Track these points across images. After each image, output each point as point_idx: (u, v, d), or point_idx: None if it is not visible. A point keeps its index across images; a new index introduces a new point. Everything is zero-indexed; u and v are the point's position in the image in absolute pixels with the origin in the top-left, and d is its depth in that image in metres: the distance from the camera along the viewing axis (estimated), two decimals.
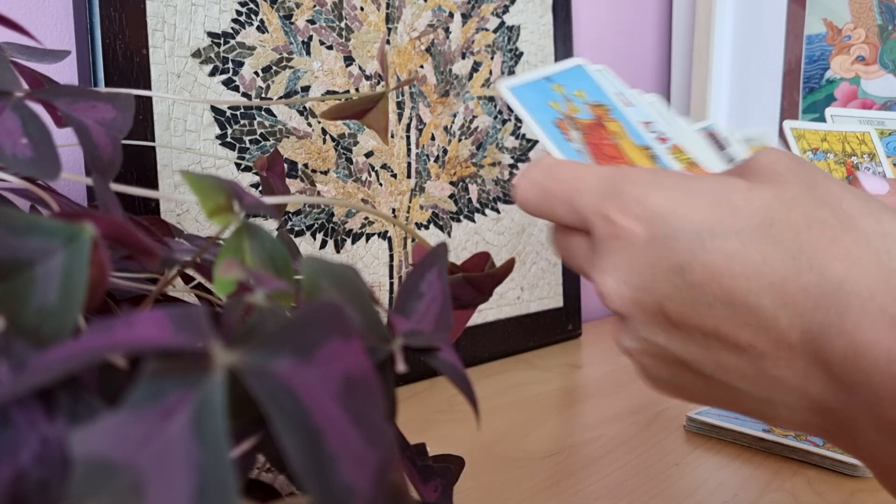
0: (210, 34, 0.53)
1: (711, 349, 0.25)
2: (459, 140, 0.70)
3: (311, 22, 0.58)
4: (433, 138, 0.68)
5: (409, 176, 0.66)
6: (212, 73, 0.53)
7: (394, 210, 0.65)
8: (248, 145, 0.55)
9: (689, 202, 0.25)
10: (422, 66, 0.67)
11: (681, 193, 0.26)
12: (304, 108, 0.58)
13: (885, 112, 0.44)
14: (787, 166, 0.26)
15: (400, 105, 0.65)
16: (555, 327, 0.79)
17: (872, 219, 0.24)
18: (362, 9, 0.62)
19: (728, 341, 0.25)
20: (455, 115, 0.70)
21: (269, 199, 0.24)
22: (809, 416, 0.24)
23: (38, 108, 0.25)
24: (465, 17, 0.70)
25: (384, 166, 0.64)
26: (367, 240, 0.62)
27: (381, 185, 0.64)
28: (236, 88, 0.54)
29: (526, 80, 0.33)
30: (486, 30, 0.73)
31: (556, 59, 0.80)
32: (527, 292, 0.76)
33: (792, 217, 0.24)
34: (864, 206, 0.24)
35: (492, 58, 0.73)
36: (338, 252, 0.60)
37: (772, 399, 0.25)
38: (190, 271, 0.27)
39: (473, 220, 0.71)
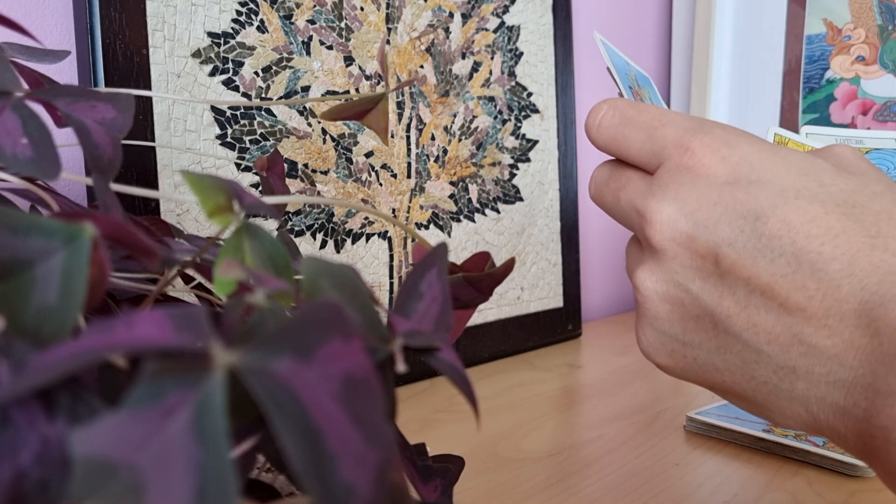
0: (210, 34, 0.53)
1: (750, 306, 0.25)
2: (459, 140, 0.70)
3: (311, 22, 0.58)
4: (433, 138, 0.68)
5: (409, 176, 0.66)
6: (212, 73, 0.53)
7: (394, 210, 0.65)
8: (248, 145, 0.55)
9: (780, 162, 0.26)
10: (422, 66, 0.67)
11: (771, 153, 0.26)
12: (304, 108, 0.58)
13: (863, 131, 0.44)
14: (869, 166, 0.27)
15: (400, 105, 0.65)
16: (555, 327, 0.79)
17: None
18: (362, 9, 0.62)
19: (776, 300, 0.25)
20: (455, 115, 0.70)
21: (269, 199, 0.24)
22: (828, 391, 0.24)
23: (38, 108, 0.25)
24: (465, 17, 0.70)
25: (384, 166, 0.64)
26: (367, 240, 0.62)
27: (381, 185, 0.64)
28: (236, 88, 0.54)
29: (615, 49, 0.35)
30: (486, 30, 0.73)
31: (556, 59, 0.80)
32: (527, 292, 0.76)
33: (874, 207, 0.25)
34: None
35: (492, 58, 0.73)
36: (338, 252, 0.60)
37: (795, 369, 0.25)
38: (190, 271, 0.27)
39: (473, 220, 0.71)
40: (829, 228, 0.24)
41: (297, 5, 0.57)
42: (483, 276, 0.30)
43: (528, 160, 0.77)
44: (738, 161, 0.26)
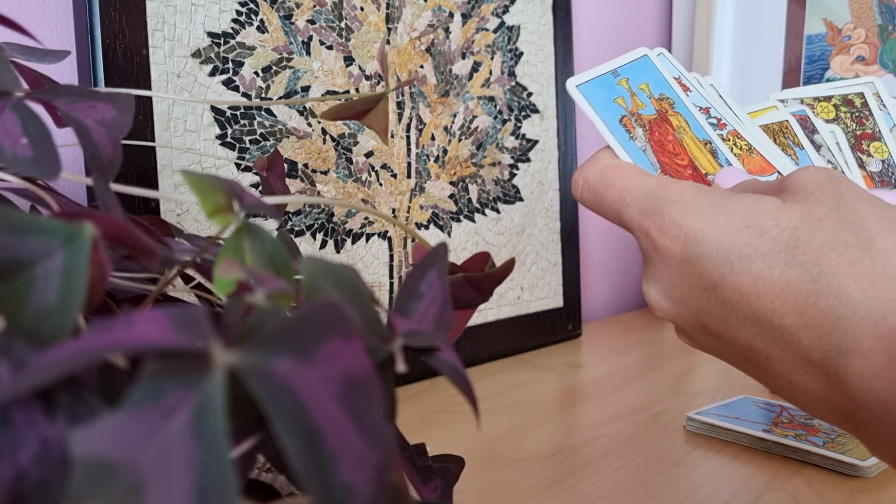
0: (210, 34, 0.53)
1: (751, 359, 0.27)
2: (459, 140, 0.70)
3: (311, 22, 0.58)
4: (433, 138, 0.68)
5: (409, 176, 0.66)
6: (212, 73, 0.53)
7: (394, 210, 0.65)
8: (248, 145, 0.55)
9: (722, 223, 0.27)
10: (422, 66, 0.67)
11: (714, 215, 0.27)
12: (304, 108, 0.58)
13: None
14: (818, 185, 0.27)
15: (400, 105, 0.65)
16: (555, 327, 0.79)
17: (893, 238, 0.24)
18: (362, 9, 0.62)
19: (761, 354, 0.26)
20: (455, 115, 0.70)
21: (269, 199, 0.24)
22: (837, 421, 0.26)
23: (38, 108, 0.25)
24: (465, 17, 0.70)
25: (384, 166, 0.64)
26: (367, 240, 0.62)
27: (381, 185, 0.64)
28: (236, 88, 0.54)
29: (592, 77, 0.35)
30: (486, 30, 0.73)
31: (556, 59, 0.80)
32: (527, 292, 0.76)
33: (816, 238, 0.25)
34: (888, 224, 0.25)
35: (492, 58, 0.73)
36: (338, 252, 0.60)
37: (804, 405, 0.26)
38: (190, 271, 0.27)
39: (473, 220, 0.71)
40: (775, 283, 0.25)
41: (297, 5, 0.57)
42: (483, 276, 0.30)
43: (528, 160, 0.77)
44: (685, 237, 0.28)
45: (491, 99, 0.73)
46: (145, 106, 0.49)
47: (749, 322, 0.26)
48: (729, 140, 0.35)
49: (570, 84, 0.34)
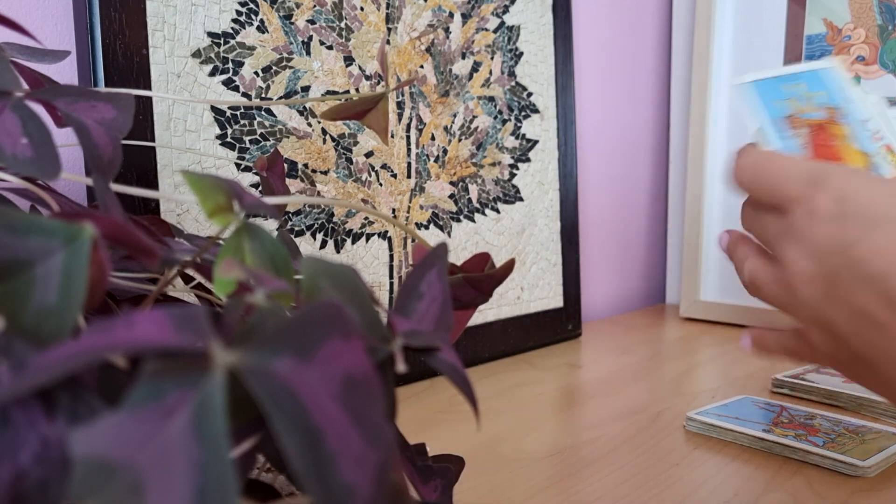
0: (210, 34, 0.53)
1: (862, 326, 0.28)
2: (459, 140, 0.70)
3: (311, 22, 0.58)
4: (433, 138, 0.68)
5: (409, 176, 0.66)
6: (212, 73, 0.53)
7: (394, 210, 0.65)
8: (248, 145, 0.55)
9: (875, 188, 0.29)
10: (422, 66, 0.67)
11: (876, 182, 0.30)
12: (304, 108, 0.58)
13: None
14: None
15: (400, 105, 0.65)
16: (555, 327, 0.79)
17: None
18: (362, 9, 0.62)
19: (874, 319, 0.27)
20: (455, 115, 0.70)
21: (269, 199, 0.24)
22: None
23: (38, 108, 0.25)
24: (465, 17, 0.70)
25: (384, 166, 0.64)
26: (367, 240, 0.62)
27: (381, 185, 0.64)
28: (236, 88, 0.54)
29: (769, 76, 0.37)
30: (486, 30, 0.73)
31: (556, 59, 0.80)
32: (527, 292, 0.76)
33: None
34: None
35: (492, 58, 0.73)
36: (338, 252, 0.60)
37: None
38: (190, 271, 0.27)
39: (473, 220, 0.71)
40: None
41: (297, 5, 0.57)
42: (483, 276, 0.30)
43: (528, 160, 0.77)
44: (843, 196, 0.29)
45: (491, 99, 0.73)
46: (145, 106, 0.49)
47: (870, 282, 0.27)
48: (885, 153, 0.36)
49: (742, 79, 0.35)
